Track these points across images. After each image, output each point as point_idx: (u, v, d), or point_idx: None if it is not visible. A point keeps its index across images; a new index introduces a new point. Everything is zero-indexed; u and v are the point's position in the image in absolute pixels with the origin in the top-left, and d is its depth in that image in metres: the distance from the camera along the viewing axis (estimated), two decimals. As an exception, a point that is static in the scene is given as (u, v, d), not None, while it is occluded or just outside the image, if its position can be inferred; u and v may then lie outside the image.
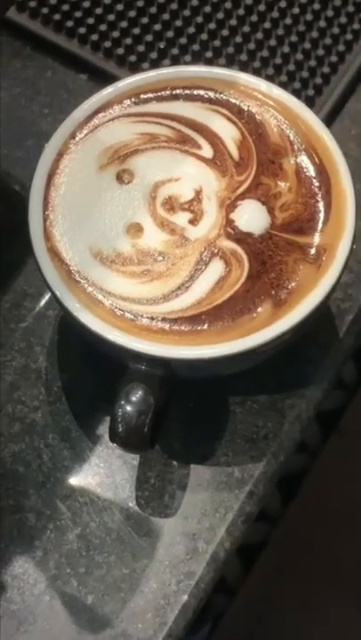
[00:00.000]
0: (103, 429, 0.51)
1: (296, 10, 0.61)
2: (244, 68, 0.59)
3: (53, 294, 0.44)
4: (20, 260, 0.55)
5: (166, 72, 0.50)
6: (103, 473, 0.50)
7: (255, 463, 0.50)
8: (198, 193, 0.46)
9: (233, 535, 0.49)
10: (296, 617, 1.12)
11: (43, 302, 0.54)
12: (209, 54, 0.60)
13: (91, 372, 0.52)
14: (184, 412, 0.51)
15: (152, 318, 0.44)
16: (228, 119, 0.48)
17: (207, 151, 0.47)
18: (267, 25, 0.61)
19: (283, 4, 0.61)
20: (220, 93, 0.49)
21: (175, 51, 0.60)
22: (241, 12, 0.61)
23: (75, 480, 0.50)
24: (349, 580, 1.16)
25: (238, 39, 0.61)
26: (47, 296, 0.54)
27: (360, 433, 1.22)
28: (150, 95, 0.49)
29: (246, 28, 0.61)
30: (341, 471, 1.19)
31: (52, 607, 0.48)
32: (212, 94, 0.49)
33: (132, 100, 0.49)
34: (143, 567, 0.48)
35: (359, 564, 1.17)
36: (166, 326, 0.44)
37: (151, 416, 0.44)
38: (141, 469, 0.50)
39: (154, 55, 0.60)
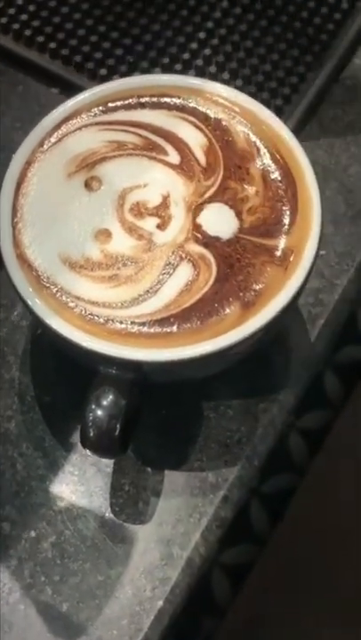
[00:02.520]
0: (77, 438, 0.51)
1: (264, 22, 0.62)
2: (213, 79, 0.59)
3: (22, 300, 0.45)
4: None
5: (133, 81, 0.50)
6: (77, 481, 0.50)
7: (229, 468, 0.50)
8: (166, 198, 0.47)
9: (208, 540, 0.49)
10: (285, 637, 1.12)
11: (16, 313, 0.54)
12: (179, 67, 0.61)
13: (64, 382, 0.53)
14: (157, 419, 0.51)
15: (122, 322, 0.44)
16: (195, 126, 0.49)
17: (174, 157, 0.48)
18: (235, 37, 0.61)
19: (250, 17, 0.62)
20: (187, 101, 0.49)
21: (145, 64, 0.61)
22: (210, 24, 0.62)
23: (49, 489, 0.50)
24: (338, 600, 1.16)
25: (207, 51, 0.61)
26: (20, 307, 0.54)
27: (346, 451, 1.22)
28: (118, 103, 0.49)
29: (215, 41, 0.62)
30: (328, 490, 1.19)
31: (27, 616, 0.47)
32: (178, 102, 0.49)
33: (100, 108, 0.49)
34: (118, 574, 0.48)
35: (347, 583, 1.17)
36: (136, 329, 0.44)
37: (122, 420, 0.44)
38: (115, 476, 0.50)
39: (124, 68, 0.61)
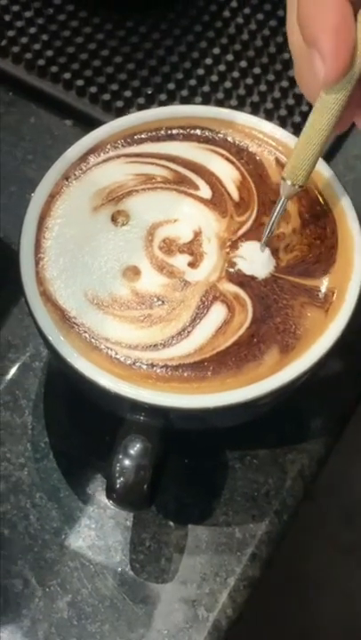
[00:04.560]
0: (94, 488, 0.48)
1: (286, 55, 0.60)
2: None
3: (46, 340, 0.42)
4: (3, 310, 0.52)
5: (162, 111, 0.48)
6: (95, 535, 0.47)
7: (257, 523, 0.47)
8: (197, 234, 0.44)
9: (235, 601, 0.46)
10: None
11: (28, 354, 0.51)
12: (198, 99, 0.59)
13: (80, 428, 0.49)
14: (179, 468, 0.48)
15: (152, 365, 0.41)
16: (227, 159, 0.46)
17: (205, 192, 0.45)
18: (256, 70, 0.59)
19: (272, 50, 0.60)
20: (218, 133, 0.47)
21: (163, 96, 0.59)
22: (230, 57, 0.60)
23: (64, 543, 0.47)
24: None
25: (228, 84, 0.59)
26: (32, 347, 0.51)
27: (331, 494, 1.20)
28: (145, 135, 0.47)
29: (236, 74, 0.60)
30: (312, 533, 1.17)
31: None
32: (209, 134, 0.47)
33: (127, 140, 0.47)
34: (140, 637, 0.45)
35: (332, 623, 1.15)
36: (167, 373, 0.41)
37: (151, 471, 0.41)
38: (135, 531, 0.47)
39: (141, 101, 0.59)
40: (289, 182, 0.42)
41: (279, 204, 0.42)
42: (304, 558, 1.16)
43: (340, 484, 1.23)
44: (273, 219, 0.43)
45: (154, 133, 0.47)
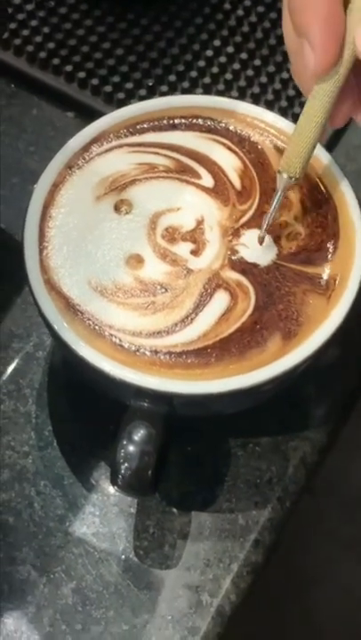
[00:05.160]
0: (97, 475, 0.48)
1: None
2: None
3: (50, 328, 0.42)
4: (6, 300, 0.53)
5: (164, 101, 0.48)
6: (99, 522, 0.47)
7: (260, 509, 0.48)
8: (200, 223, 0.44)
9: (239, 587, 0.46)
10: None
11: (31, 343, 0.52)
12: (199, 91, 0.59)
13: (83, 415, 0.50)
14: (182, 456, 0.49)
15: (155, 352, 0.41)
16: (229, 149, 0.47)
17: (208, 181, 0.46)
18: (257, 62, 0.60)
19: (272, 42, 0.61)
20: (220, 123, 0.47)
21: (164, 88, 0.59)
22: (230, 49, 0.60)
23: (69, 530, 0.47)
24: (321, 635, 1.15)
25: (228, 76, 0.59)
26: (36, 337, 0.52)
27: (330, 491, 1.20)
28: (147, 125, 0.47)
29: (236, 65, 0.60)
30: (312, 529, 1.17)
31: (46, 668, 0.44)
32: (211, 124, 0.47)
33: (129, 129, 0.47)
34: (144, 623, 0.45)
35: (331, 619, 1.15)
36: (171, 360, 0.41)
37: (155, 457, 0.41)
38: (139, 518, 0.47)
39: (143, 92, 0.59)
40: (285, 175, 0.42)
41: (276, 197, 0.43)
42: (304, 554, 1.17)
43: (341, 479, 1.23)
44: (271, 211, 0.43)
45: (156, 123, 0.47)
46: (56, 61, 0.60)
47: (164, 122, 0.47)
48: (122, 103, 0.58)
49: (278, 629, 1.15)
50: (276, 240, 0.44)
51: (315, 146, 0.41)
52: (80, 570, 0.46)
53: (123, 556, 0.46)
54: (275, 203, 0.43)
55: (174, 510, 0.47)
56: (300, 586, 1.18)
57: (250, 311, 0.42)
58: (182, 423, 0.46)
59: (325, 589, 1.18)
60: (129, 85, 0.59)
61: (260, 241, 0.44)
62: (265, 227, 0.43)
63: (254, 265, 0.43)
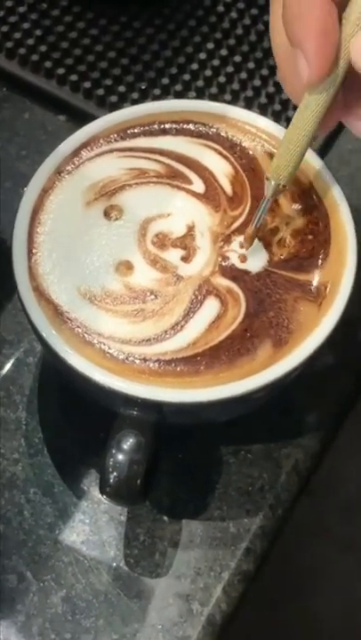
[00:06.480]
0: (88, 483, 0.48)
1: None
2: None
3: (39, 335, 0.42)
4: (-4, 305, 0.52)
5: (154, 106, 0.48)
6: (89, 530, 0.47)
7: (251, 517, 0.47)
8: (190, 229, 0.44)
9: (230, 595, 0.46)
10: None
11: (22, 349, 0.51)
12: (192, 94, 0.58)
13: (73, 423, 0.49)
14: (173, 464, 0.48)
15: (145, 360, 0.41)
16: (220, 154, 0.46)
17: (199, 186, 0.45)
18: (250, 65, 0.59)
19: (266, 45, 0.60)
20: (211, 127, 0.47)
21: (157, 91, 0.59)
22: (224, 52, 0.60)
23: (58, 538, 0.47)
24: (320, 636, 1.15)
25: (222, 79, 0.59)
26: (26, 343, 0.51)
27: (329, 492, 1.20)
28: (138, 130, 0.47)
29: (230, 69, 0.59)
30: (310, 530, 1.17)
31: None
32: (202, 128, 0.47)
33: (120, 134, 0.47)
34: (134, 632, 0.45)
35: (329, 621, 1.15)
36: (160, 368, 0.41)
37: (145, 466, 0.41)
38: (130, 526, 0.47)
39: (135, 95, 0.59)
40: (273, 182, 0.42)
41: (263, 204, 0.42)
42: (301, 555, 1.16)
43: (338, 480, 1.23)
44: (257, 218, 0.43)
45: (147, 128, 0.47)
46: (48, 64, 0.60)
47: (155, 126, 0.47)
48: (114, 106, 0.58)
49: (276, 630, 1.14)
50: (267, 247, 0.44)
51: (304, 154, 0.41)
52: (70, 578, 0.46)
53: (113, 565, 0.46)
54: (261, 210, 0.42)
55: (165, 518, 0.47)
56: (298, 587, 1.18)
57: (240, 318, 0.42)
58: (173, 431, 0.46)
59: (323, 590, 1.18)
60: (121, 89, 0.59)
61: (244, 246, 0.43)
62: (251, 232, 0.43)
63: (245, 272, 0.43)
